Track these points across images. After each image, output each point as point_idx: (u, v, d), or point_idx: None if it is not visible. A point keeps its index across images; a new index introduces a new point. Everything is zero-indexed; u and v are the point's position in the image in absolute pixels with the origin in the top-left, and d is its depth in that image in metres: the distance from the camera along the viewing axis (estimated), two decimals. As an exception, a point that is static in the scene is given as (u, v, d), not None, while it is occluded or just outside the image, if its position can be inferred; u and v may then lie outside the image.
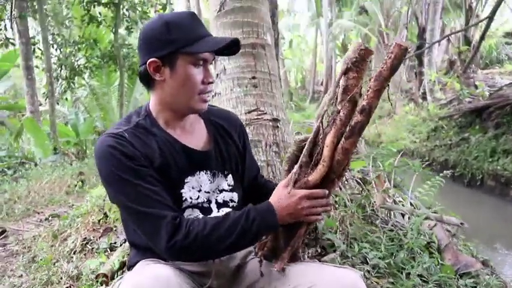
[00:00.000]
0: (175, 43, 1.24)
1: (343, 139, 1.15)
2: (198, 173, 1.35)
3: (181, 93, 1.28)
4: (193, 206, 1.34)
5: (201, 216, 1.34)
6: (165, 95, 1.31)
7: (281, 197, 1.23)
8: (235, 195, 1.44)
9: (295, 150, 1.28)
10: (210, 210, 1.37)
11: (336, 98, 1.20)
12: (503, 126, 8.13)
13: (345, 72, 1.16)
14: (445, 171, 2.86)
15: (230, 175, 1.44)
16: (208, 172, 1.38)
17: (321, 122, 1.23)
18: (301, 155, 1.23)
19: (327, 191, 1.23)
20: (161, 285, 1.06)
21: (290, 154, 1.29)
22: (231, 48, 1.32)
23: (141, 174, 1.21)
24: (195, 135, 1.40)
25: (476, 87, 11.10)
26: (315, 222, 1.26)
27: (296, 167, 1.23)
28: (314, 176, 1.20)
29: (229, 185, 1.43)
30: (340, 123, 1.16)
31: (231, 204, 1.42)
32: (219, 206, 1.39)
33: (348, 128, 1.14)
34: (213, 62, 1.36)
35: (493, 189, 7.38)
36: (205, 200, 1.36)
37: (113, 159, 1.20)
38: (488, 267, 3.18)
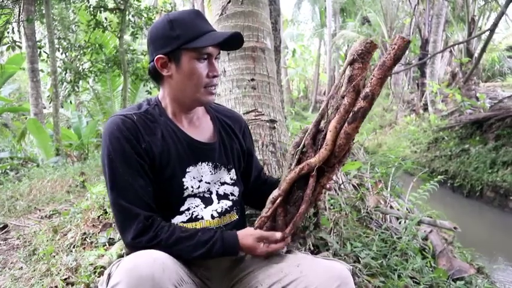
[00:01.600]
0: (179, 39, 1.31)
1: (346, 124, 1.21)
2: (200, 163, 1.41)
3: (188, 87, 1.35)
4: (194, 195, 1.39)
5: (202, 205, 1.40)
6: (172, 90, 1.38)
7: (245, 233, 1.33)
8: (236, 190, 1.50)
9: (302, 136, 1.34)
10: (210, 201, 1.42)
11: (340, 87, 1.27)
12: (503, 138, 8.17)
13: (351, 63, 1.23)
14: (439, 177, 2.90)
15: (233, 170, 1.50)
16: (210, 164, 1.44)
17: (326, 106, 1.30)
18: (304, 138, 1.30)
19: (287, 240, 1.32)
20: (158, 266, 1.10)
21: (298, 139, 1.35)
22: (234, 42, 1.38)
23: (134, 165, 1.27)
24: (200, 128, 1.47)
25: (477, 99, 11.15)
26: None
27: (299, 149, 1.30)
28: (316, 158, 1.25)
29: (231, 179, 1.49)
30: (344, 110, 1.22)
31: (231, 197, 1.48)
32: (220, 197, 1.45)
33: (351, 114, 1.20)
34: (218, 57, 1.41)
35: (492, 201, 7.39)
36: (206, 190, 1.42)
37: (115, 142, 1.27)
38: (483, 274, 3.21)
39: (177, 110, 1.42)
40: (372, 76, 1.16)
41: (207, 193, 1.42)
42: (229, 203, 1.46)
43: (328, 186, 1.34)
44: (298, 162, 1.30)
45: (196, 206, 1.39)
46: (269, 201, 1.32)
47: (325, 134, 1.25)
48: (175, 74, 1.35)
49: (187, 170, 1.38)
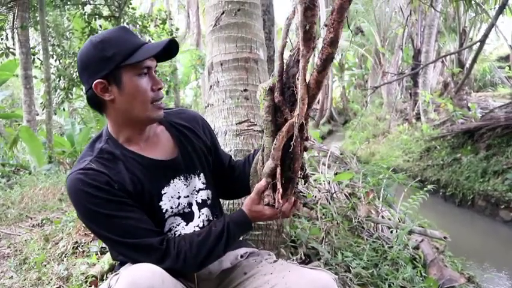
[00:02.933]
0: (115, 58, 1.23)
1: (315, 73, 1.16)
2: (172, 181, 1.38)
3: (135, 107, 1.28)
4: (175, 215, 1.37)
5: (183, 223, 1.38)
6: (118, 114, 1.31)
7: (253, 210, 1.33)
8: (209, 192, 1.48)
9: (271, 98, 1.26)
10: (191, 214, 1.41)
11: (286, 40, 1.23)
12: (494, 147, 8.24)
13: (305, 12, 1.12)
14: (429, 186, 2.93)
15: (202, 173, 1.47)
16: (182, 177, 1.40)
17: (281, 60, 1.24)
18: (274, 97, 1.24)
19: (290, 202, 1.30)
20: (157, 278, 1.11)
21: (267, 103, 1.27)
22: (171, 50, 1.32)
23: (119, 205, 1.22)
24: (159, 144, 1.41)
25: (469, 109, 11.25)
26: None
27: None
28: (299, 116, 1.18)
29: (203, 183, 1.47)
30: (305, 60, 1.16)
31: (208, 202, 1.46)
32: (199, 206, 1.43)
33: (319, 62, 1.14)
34: (156, 69, 1.35)
35: (483, 210, 7.43)
36: (186, 204, 1.40)
37: (87, 197, 1.20)
38: (473, 283, 3.24)
39: (130, 134, 1.34)
40: (332, 21, 1.09)
41: (187, 208, 1.40)
42: (208, 210, 1.45)
43: (309, 136, 1.27)
44: (276, 125, 1.26)
45: (178, 225, 1.38)
46: (266, 175, 1.26)
47: (293, 89, 1.21)
48: (119, 97, 1.26)
49: (163, 192, 1.35)
